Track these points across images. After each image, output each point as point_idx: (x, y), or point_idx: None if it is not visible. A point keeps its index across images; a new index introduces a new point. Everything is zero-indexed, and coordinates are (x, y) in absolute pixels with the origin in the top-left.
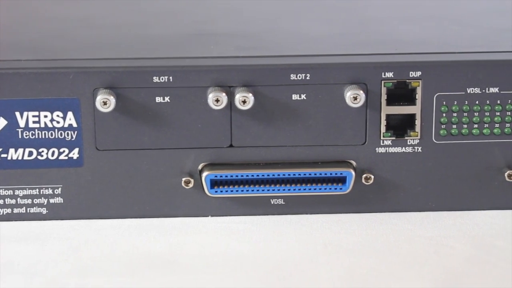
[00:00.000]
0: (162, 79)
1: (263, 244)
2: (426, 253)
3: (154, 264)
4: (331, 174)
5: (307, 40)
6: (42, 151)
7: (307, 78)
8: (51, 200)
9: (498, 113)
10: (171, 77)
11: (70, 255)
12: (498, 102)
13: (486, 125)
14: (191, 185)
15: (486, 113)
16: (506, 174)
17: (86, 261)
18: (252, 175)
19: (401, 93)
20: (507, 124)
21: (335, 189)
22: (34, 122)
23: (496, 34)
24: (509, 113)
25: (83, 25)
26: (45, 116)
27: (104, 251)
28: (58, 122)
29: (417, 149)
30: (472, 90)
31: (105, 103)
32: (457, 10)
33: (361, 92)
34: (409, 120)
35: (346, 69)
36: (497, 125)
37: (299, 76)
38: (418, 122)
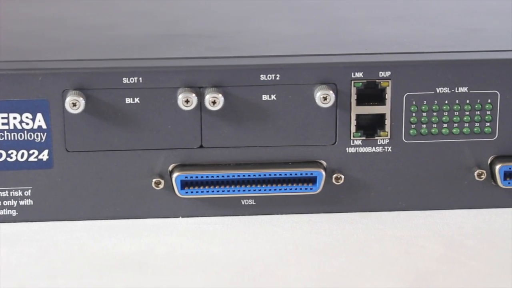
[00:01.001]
0: (132, 80)
1: (234, 244)
2: (397, 252)
3: (125, 266)
4: (301, 174)
5: (277, 40)
6: (12, 153)
7: (277, 78)
8: (21, 202)
9: (467, 113)
10: (140, 78)
11: (40, 257)
12: (468, 101)
13: (455, 125)
14: (161, 186)
15: (455, 113)
16: (475, 173)
17: (56, 263)
18: (223, 176)
19: (371, 93)
20: (476, 124)
21: (306, 189)
22: (3, 124)
23: (465, 33)
24: (478, 112)
25: (52, 26)
26: (14, 118)
27: (74, 253)
28: (27, 124)
29: (387, 148)
30: (442, 89)
31: (74, 105)
32: (427, 10)
33: (331, 92)
34: (379, 120)
35: (315, 69)
36: (466, 125)
37: (269, 77)
38: (388, 122)
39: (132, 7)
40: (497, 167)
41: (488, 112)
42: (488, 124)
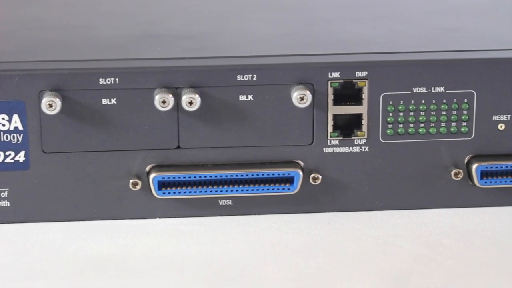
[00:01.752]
0: (108, 81)
1: (211, 245)
2: (374, 252)
3: (102, 267)
4: (278, 174)
5: (254, 41)
6: None
7: (254, 78)
8: None
9: (444, 112)
10: (117, 79)
11: (17, 258)
12: (444, 101)
13: (432, 124)
14: (138, 187)
15: (432, 112)
16: (452, 173)
17: (33, 265)
18: (200, 176)
19: (348, 93)
20: (453, 123)
21: (283, 189)
22: None
23: (442, 33)
24: (454, 112)
25: (27, 27)
26: None
27: (51, 254)
28: (3, 125)
29: (364, 148)
30: (418, 89)
31: (50, 106)
32: (404, 10)
33: (308, 92)
34: (356, 120)
35: (292, 70)
36: (443, 124)
37: (246, 77)
38: (365, 122)
39: (109, 8)
40: (474, 166)
41: (465, 112)
42: (464, 123)
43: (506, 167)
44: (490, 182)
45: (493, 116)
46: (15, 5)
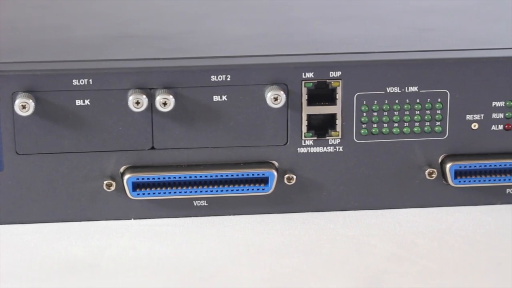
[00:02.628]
0: (82, 82)
1: (185, 246)
2: (348, 252)
3: (76, 268)
4: (253, 174)
5: (227, 41)
6: None
7: (228, 79)
8: None
9: (417, 112)
10: (90, 80)
11: None
12: (418, 101)
13: (406, 124)
14: (113, 188)
15: (406, 112)
16: (426, 172)
17: (6, 267)
18: (174, 177)
19: (322, 93)
20: (426, 123)
21: (258, 189)
22: None
23: (416, 33)
24: (428, 111)
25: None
26: None
27: (25, 256)
28: None
29: (339, 148)
30: (392, 89)
31: (24, 107)
32: (378, 10)
33: (282, 92)
34: (330, 120)
35: (266, 70)
36: (417, 124)
37: (220, 78)
38: (339, 122)
39: (83, 9)
40: (448, 165)
41: (439, 111)
42: (438, 123)
43: (480, 166)
44: (464, 181)
45: (467, 115)
46: None
